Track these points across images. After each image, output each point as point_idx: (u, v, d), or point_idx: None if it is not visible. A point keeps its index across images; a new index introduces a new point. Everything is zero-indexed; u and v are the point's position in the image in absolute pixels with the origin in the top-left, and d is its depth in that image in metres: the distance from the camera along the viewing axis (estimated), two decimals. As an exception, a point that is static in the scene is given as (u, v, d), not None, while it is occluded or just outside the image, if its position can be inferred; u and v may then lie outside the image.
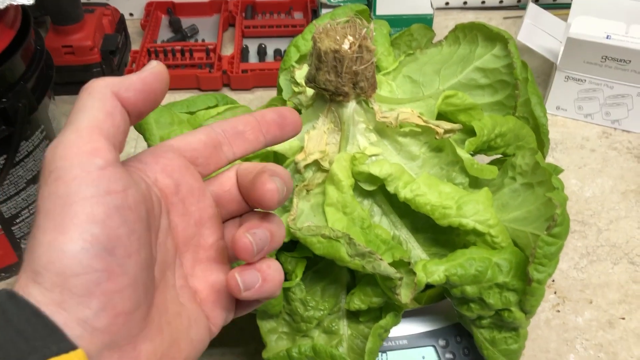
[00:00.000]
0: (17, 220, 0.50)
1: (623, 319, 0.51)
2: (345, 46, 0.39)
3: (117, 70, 0.73)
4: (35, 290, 0.21)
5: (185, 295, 0.27)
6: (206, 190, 0.29)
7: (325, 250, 0.38)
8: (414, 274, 0.38)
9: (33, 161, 0.49)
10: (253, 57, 0.78)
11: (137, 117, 0.25)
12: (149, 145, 0.44)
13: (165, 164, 0.27)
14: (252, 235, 0.26)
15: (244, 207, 0.30)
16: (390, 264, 0.37)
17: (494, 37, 0.48)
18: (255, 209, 0.30)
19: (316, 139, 0.42)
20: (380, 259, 0.37)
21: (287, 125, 0.30)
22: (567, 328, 0.50)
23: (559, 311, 0.51)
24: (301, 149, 0.43)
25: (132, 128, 0.26)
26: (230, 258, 0.30)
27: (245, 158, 0.45)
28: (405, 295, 0.38)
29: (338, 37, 0.39)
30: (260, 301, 0.31)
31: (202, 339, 0.27)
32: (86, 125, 0.23)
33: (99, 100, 0.23)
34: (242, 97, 0.73)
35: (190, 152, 0.28)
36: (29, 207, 0.50)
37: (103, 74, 0.71)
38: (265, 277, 0.27)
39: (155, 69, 0.25)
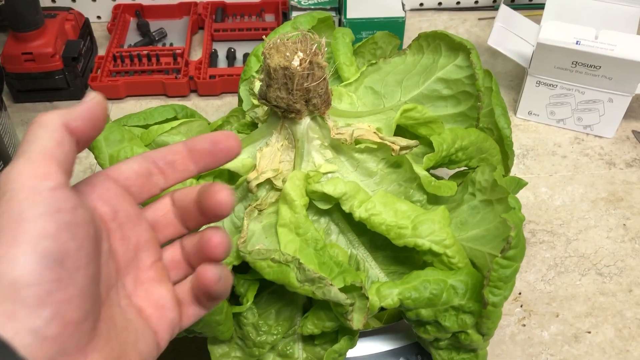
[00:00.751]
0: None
1: (589, 332, 0.50)
2: (295, 63, 0.37)
3: (82, 76, 0.71)
4: None
5: (131, 312, 0.28)
6: (142, 216, 0.30)
7: (275, 276, 0.37)
8: (367, 298, 0.37)
9: (-17, 178, 0.47)
10: (222, 62, 0.76)
11: (84, 144, 0.27)
12: (99, 164, 0.43)
13: (101, 193, 0.28)
14: (222, 232, 0.29)
15: (180, 231, 0.31)
16: (342, 289, 0.36)
17: (456, 47, 0.47)
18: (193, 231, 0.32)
19: (269, 156, 0.41)
20: (331, 285, 0.35)
21: (219, 152, 0.30)
22: (533, 343, 0.49)
23: (524, 325, 0.50)
24: (254, 166, 0.41)
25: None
26: (176, 276, 0.31)
27: (199, 176, 0.44)
28: (357, 321, 0.37)
29: (288, 54, 0.38)
30: (208, 308, 0.31)
31: (150, 351, 0.28)
32: (38, 153, 0.24)
33: (50, 131, 0.25)
34: (210, 103, 0.72)
35: (123, 180, 0.29)
36: (-19, 225, 0.49)
37: (66, 81, 0.69)
38: (226, 272, 0.30)
39: (96, 98, 0.27)
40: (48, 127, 0.25)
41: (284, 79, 0.38)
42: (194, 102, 0.72)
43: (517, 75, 0.75)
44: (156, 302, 0.29)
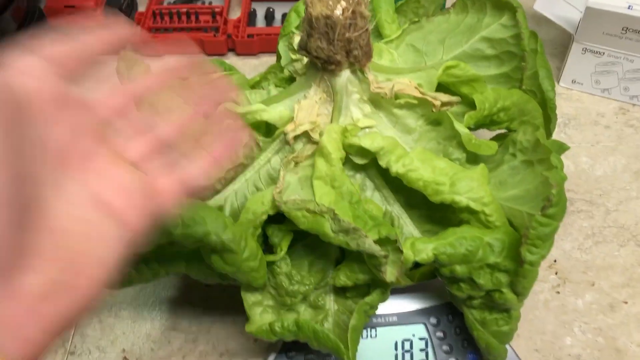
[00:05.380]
0: None
1: (626, 302, 0.49)
2: (338, 12, 0.37)
3: (122, 32, 0.72)
4: None
5: (84, 206, 0.24)
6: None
7: (310, 225, 0.37)
8: (401, 252, 0.36)
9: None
10: (260, 21, 0.76)
11: None
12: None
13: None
14: None
15: None
16: (376, 242, 0.36)
17: (502, 6, 0.46)
18: None
19: (307, 109, 0.41)
20: (365, 236, 0.35)
21: None
22: (566, 310, 0.49)
23: (558, 292, 0.50)
24: (291, 119, 0.41)
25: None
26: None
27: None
28: (390, 274, 0.37)
29: (331, 2, 0.37)
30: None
31: (113, 249, 0.25)
32: None
33: None
34: (247, 62, 0.72)
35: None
36: None
37: (106, 36, 0.69)
38: None
39: None
40: None
41: (326, 28, 0.37)
42: (231, 61, 0.72)
43: (561, 43, 0.73)
44: (118, 187, 0.25)
